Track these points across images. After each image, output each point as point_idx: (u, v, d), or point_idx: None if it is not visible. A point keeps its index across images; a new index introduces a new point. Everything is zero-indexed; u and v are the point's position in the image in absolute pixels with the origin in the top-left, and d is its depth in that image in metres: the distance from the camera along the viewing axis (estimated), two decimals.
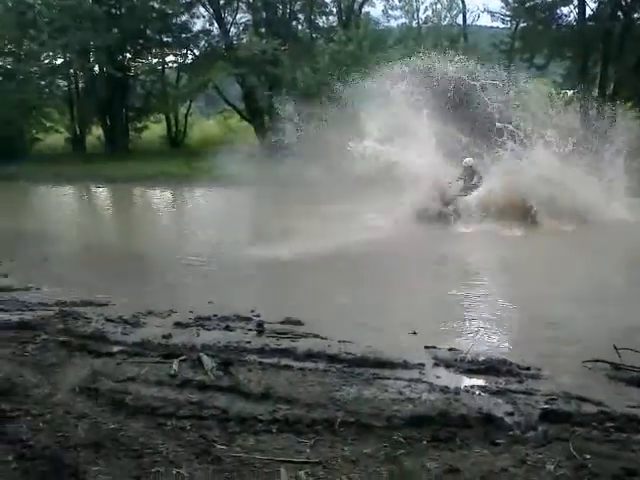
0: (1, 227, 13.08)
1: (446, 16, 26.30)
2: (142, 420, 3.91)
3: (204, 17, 30.25)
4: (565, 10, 23.18)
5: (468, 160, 12.80)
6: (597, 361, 4.57)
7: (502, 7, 23.82)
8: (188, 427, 3.77)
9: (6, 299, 7.27)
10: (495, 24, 24.92)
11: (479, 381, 4.44)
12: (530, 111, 24.22)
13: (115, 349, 5.35)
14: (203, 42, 30.48)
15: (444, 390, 4.22)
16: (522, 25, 23.90)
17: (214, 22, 29.80)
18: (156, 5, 28.80)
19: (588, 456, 3.20)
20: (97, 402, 4.22)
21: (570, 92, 23.39)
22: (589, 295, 6.88)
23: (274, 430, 3.68)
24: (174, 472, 3.24)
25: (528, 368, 4.60)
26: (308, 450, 3.43)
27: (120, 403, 4.17)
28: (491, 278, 7.49)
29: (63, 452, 3.50)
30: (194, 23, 30.41)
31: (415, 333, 5.51)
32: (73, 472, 3.28)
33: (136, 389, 4.43)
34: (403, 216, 11.68)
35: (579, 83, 22.43)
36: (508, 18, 23.96)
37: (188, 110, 31.50)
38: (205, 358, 4.87)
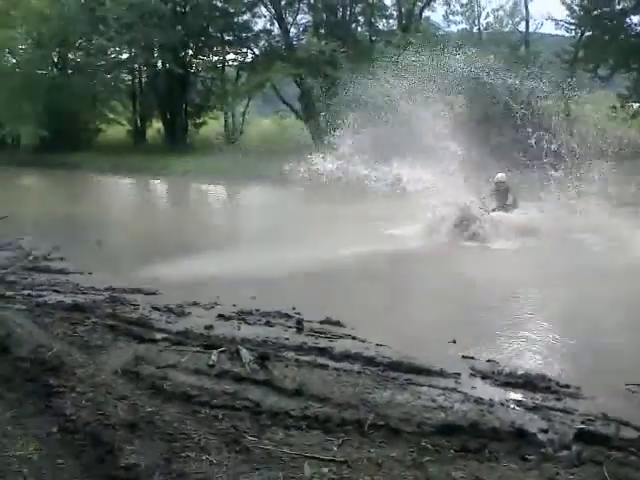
0: (61, 213, 13.64)
1: (508, 23, 25.83)
2: (178, 406, 4.04)
3: (265, 17, 30.71)
4: (635, 19, 22.44)
5: (500, 176, 11.30)
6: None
7: (567, 15, 23.19)
8: (221, 416, 3.87)
9: (61, 281, 7.63)
10: (559, 32, 24.30)
11: (515, 395, 4.38)
12: (591, 124, 23.68)
13: (158, 336, 5.54)
14: (263, 42, 30.90)
15: (478, 401, 4.18)
16: (587, 34, 23.21)
17: (275, 22, 30.18)
18: (219, 4, 29.45)
19: None
20: (137, 385, 4.38)
21: (636, 105, 22.66)
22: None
23: (304, 426, 3.74)
24: (203, 458, 3.33)
25: (567, 386, 4.50)
26: (335, 449, 3.47)
27: (159, 388, 4.32)
28: (536, 294, 7.32)
29: (102, 429, 3.66)
30: (255, 23, 30.93)
31: (454, 342, 5.46)
32: (109, 449, 3.42)
33: (175, 376, 4.57)
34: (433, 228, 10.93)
35: None
36: (573, 27, 23.31)
37: (246, 108, 31.96)
38: (243, 351, 4.98)
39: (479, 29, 27.34)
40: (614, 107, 22.93)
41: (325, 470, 3.15)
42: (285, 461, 3.31)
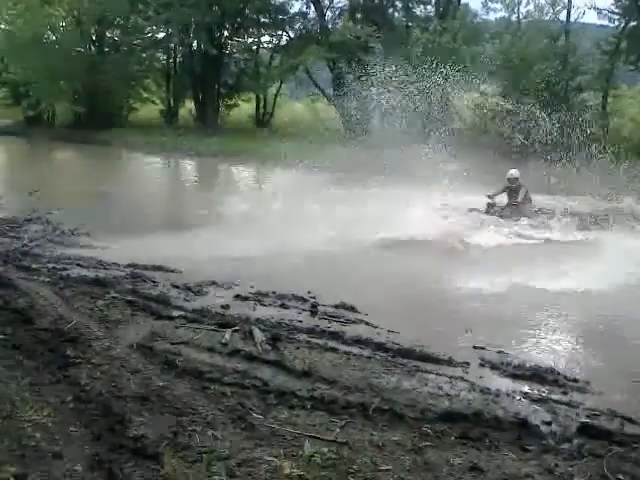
0: (90, 189, 13.91)
1: (549, 11, 25.17)
2: (188, 381, 4.15)
3: (302, 0, 30.60)
4: None
5: (513, 171, 11.00)
6: None
7: (611, 4, 22.51)
8: (229, 393, 3.97)
9: (85, 256, 7.81)
10: (601, 22, 23.60)
11: (522, 387, 4.38)
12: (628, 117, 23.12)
13: (175, 313, 5.66)
14: (298, 24, 30.82)
15: (484, 391, 4.20)
16: (632, 24, 22.52)
17: (311, 5, 30.04)
18: None
19: (621, 476, 3.11)
20: (151, 360, 4.51)
21: None
22: None
23: (309, 407, 3.81)
24: (209, 433, 3.43)
25: (575, 380, 4.48)
26: (338, 430, 3.53)
27: (171, 364, 4.43)
28: (555, 289, 7.23)
29: (114, 400, 3.78)
30: (292, 5, 30.84)
31: (467, 332, 5.46)
32: (120, 419, 3.54)
33: (188, 352, 4.69)
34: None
35: None
36: (616, 16, 22.63)
37: (278, 91, 31.96)
38: (256, 331, 5.07)
39: (518, 17, 26.73)
40: None
41: (325, 449, 3.21)
42: (287, 439, 3.39)
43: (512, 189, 10.87)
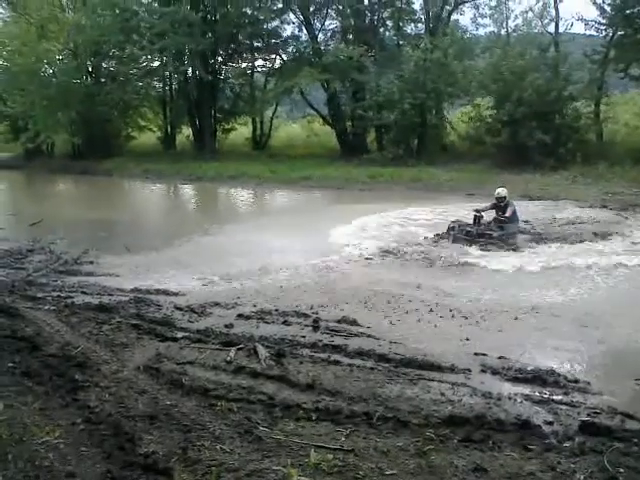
0: (92, 218, 14.08)
1: (537, 24, 25.51)
2: (195, 399, 4.22)
3: (294, 23, 31.02)
4: None
5: (501, 190, 11.04)
6: None
7: (598, 15, 22.81)
8: (236, 409, 4.04)
9: (90, 283, 7.93)
10: (589, 32, 23.89)
11: (524, 389, 4.44)
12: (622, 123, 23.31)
13: (180, 335, 5.75)
14: (291, 47, 31.22)
15: (486, 395, 4.27)
16: (619, 33, 22.82)
17: (303, 28, 30.48)
18: (248, 11, 29.85)
19: (622, 470, 3.18)
20: (158, 381, 4.59)
21: None
22: None
23: (314, 418, 3.88)
24: (217, 447, 3.50)
25: (576, 381, 4.55)
26: (343, 438, 3.60)
27: (178, 383, 4.51)
28: (547, 294, 7.34)
29: (123, 420, 3.86)
30: (284, 29, 31.22)
31: (468, 340, 5.54)
32: (130, 438, 3.62)
33: (194, 372, 4.77)
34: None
35: None
36: (603, 27, 22.93)
37: (274, 113, 32.31)
38: (260, 348, 5.15)
39: (507, 31, 27.11)
40: None
41: (330, 457, 3.28)
42: (294, 449, 3.46)
43: (500, 207, 10.91)
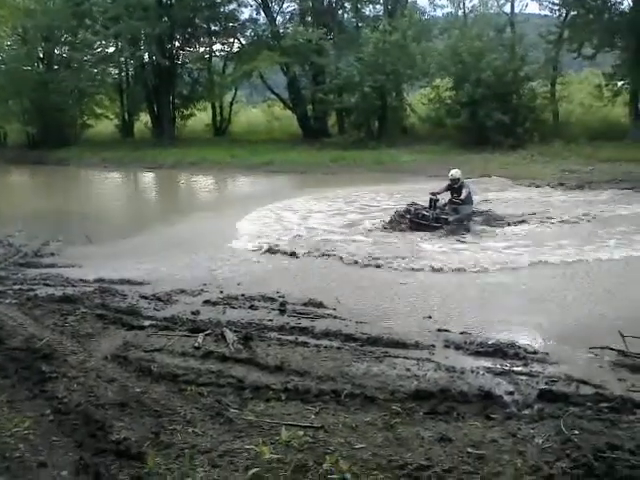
0: (50, 209, 13.80)
1: (493, 5, 25.87)
2: (165, 385, 4.25)
3: (251, 6, 30.72)
4: None
5: (455, 171, 11.07)
6: (603, 348, 4.67)
7: None
8: (206, 393, 4.09)
9: (52, 275, 7.82)
10: (544, 12, 24.33)
11: (485, 362, 4.62)
12: (576, 102, 23.86)
13: (146, 323, 5.74)
14: (250, 31, 30.90)
15: (449, 369, 4.42)
16: (572, 14, 23.30)
17: (261, 11, 30.19)
18: None
19: (576, 432, 3.35)
20: (126, 369, 4.59)
21: (620, 83, 22.81)
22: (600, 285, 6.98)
23: (284, 398, 3.96)
24: (189, 430, 3.55)
25: (535, 352, 4.75)
26: (313, 416, 3.69)
27: (146, 370, 4.52)
28: (504, 271, 7.62)
29: (93, 409, 3.86)
30: (241, 12, 30.89)
31: (430, 317, 5.69)
32: (101, 426, 3.63)
33: (162, 359, 4.79)
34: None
35: (630, 74, 21.83)
36: (556, 7, 23.39)
37: (233, 98, 31.98)
38: (228, 332, 5.19)
39: (464, 12, 27.41)
40: (599, 86, 23.11)
41: (300, 434, 3.37)
42: (265, 429, 3.53)
43: (454, 188, 10.94)
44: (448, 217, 10.32)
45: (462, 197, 10.77)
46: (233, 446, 3.32)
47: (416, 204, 10.80)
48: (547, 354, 4.73)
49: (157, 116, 30.90)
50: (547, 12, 23.96)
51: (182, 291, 6.88)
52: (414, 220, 10.26)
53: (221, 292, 6.78)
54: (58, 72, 29.91)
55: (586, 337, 5.04)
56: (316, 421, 3.61)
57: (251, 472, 3.00)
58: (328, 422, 3.57)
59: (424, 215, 10.29)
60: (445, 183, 11.22)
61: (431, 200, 10.66)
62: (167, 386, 4.24)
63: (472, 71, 21.77)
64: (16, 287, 7.18)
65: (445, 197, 11.08)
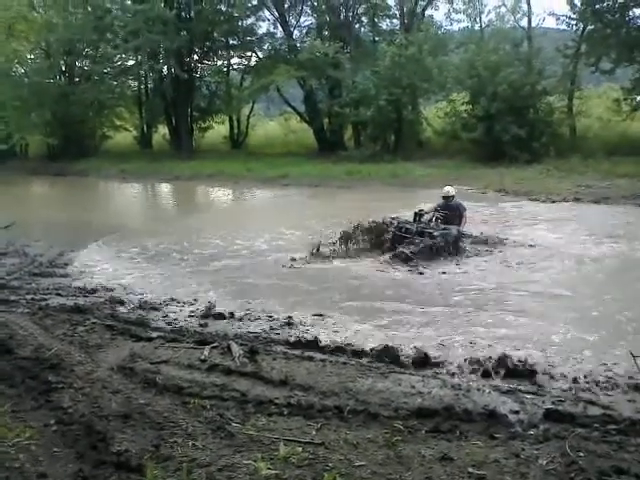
0: (67, 219, 13.95)
1: (509, 19, 25.86)
2: (169, 397, 4.25)
3: (269, 20, 31.08)
4: (637, 12, 22.42)
5: (449, 188, 10.37)
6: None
7: (568, 10, 23.19)
8: (209, 406, 4.08)
9: (64, 285, 7.89)
10: (561, 27, 24.27)
11: (492, 380, 4.55)
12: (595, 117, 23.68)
13: (154, 334, 5.76)
14: (267, 45, 31.23)
15: (455, 387, 4.36)
16: (589, 28, 23.21)
17: (278, 25, 30.51)
18: (223, 8, 29.76)
19: (582, 454, 3.28)
20: (132, 380, 4.60)
21: (639, 98, 22.62)
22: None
23: (286, 413, 3.94)
24: (190, 443, 3.54)
25: (543, 369, 4.67)
26: (314, 432, 3.66)
27: (152, 382, 4.53)
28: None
29: (96, 420, 3.87)
30: (259, 26, 31.27)
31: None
32: (102, 437, 3.63)
33: (167, 371, 4.79)
34: None
35: None
36: (574, 21, 23.30)
37: (250, 111, 32.26)
38: (234, 346, 5.18)
39: (481, 26, 27.42)
40: (617, 100, 22.95)
41: (299, 450, 3.34)
42: (265, 444, 3.51)
43: (448, 206, 10.17)
44: (433, 231, 9.38)
45: (462, 225, 9.96)
46: (232, 461, 3.30)
47: (399, 219, 10.03)
48: (555, 371, 4.64)
49: (175, 128, 31.24)
50: (564, 26, 23.88)
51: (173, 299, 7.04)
52: (396, 233, 9.48)
53: None
54: (79, 85, 30.43)
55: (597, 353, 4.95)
56: (317, 437, 3.58)
57: None
58: (329, 438, 3.54)
59: (407, 228, 9.49)
60: (436, 202, 10.42)
61: (416, 214, 9.96)
62: (171, 398, 4.24)
63: (488, 85, 21.74)
64: (29, 297, 7.26)
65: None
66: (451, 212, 10.10)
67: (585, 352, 5.17)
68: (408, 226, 9.57)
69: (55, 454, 3.49)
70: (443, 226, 9.66)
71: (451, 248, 9.21)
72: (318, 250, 9.40)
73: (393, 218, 9.99)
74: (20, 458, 3.38)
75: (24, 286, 7.88)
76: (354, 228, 9.79)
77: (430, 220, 10.02)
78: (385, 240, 9.60)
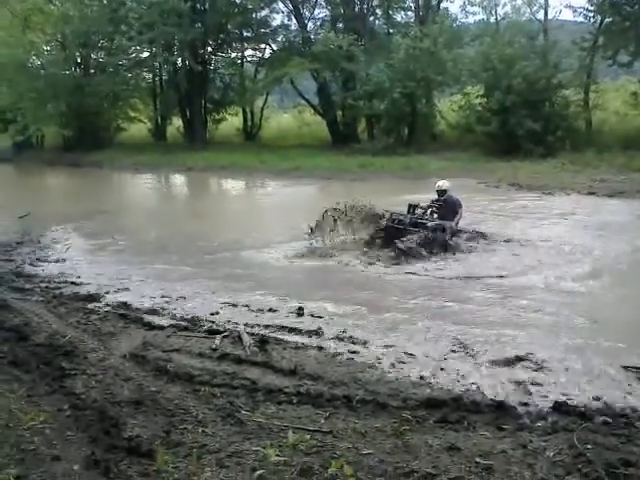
0: (82, 210, 14.03)
1: (525, 12, 25.57)
2: (180, 385, 4.32)
3: (283, 12, 30.94)
4: None
5: (441, 182, 10.01)
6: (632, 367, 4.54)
7: (586, 2, 22.87)
8: (219, 394, 4.13)
9: (78, 274, 7.97)
10: (578, 19, 23.96)
11: (502, 372, 4.55)
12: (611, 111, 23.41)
13: (166, 323, 5.82)
14: (281, 37, 31.12)
15: (464, 378, 4.37)
16: (607, 20, 22.89)
17: (292, 17, 30.42)
18: (237, 0, 29.73)
19: (589, 446, 3.28)
20: (143, 368, 4.67)
21: None
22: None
23: (295, 401, 3.98)
24: (200, 430, 3.59)
25: (554, 363, 4.66)
26: (323, 420, 3.70)
27: (163, 370, 4.59)
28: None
29: (108, 406, 3.94)
30: (273, 18, 31.13)
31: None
32: (115, 423, 3.70)
33: (179, 359, 4.85)
34: None
35: None
36: (591, 14, 22.99)
37: (264, 104, 32.24)
38: (245, 335, 5.23)
39: (496, 19, 27.14)
40: (635, 94, 22.67)
41: (308, 437, 3.38)
42: (274, 431, 3.56)
43: (442, 201, 9.86)
44: (427, 222, 9.29)
45: (455, 223, 9.59)
46: (241, 447, 3.35)
47: (394, 212, 9.71)
48: (567, 365, 4.63)
49: (189, 120, 31.30)
50: (581, 19, 23.56)
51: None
52: (389, 225, 9.33)
53: None
54: (94, 76, 30.55)
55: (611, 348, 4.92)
56: (325, 425, 3.62)
57: (257, 474, 3.03)
58: (337, 427, 3.58)
59: (400, 220, 9.33)
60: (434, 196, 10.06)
61: (410, 205, 9.75)
62: (182, 386, 4.31)
63: (503, 78, 21.55)
64: (43, 285, 7.37)
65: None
66: (446, 207, 9.76)
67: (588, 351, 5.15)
68: (401, 217, 9.43)
69: (68, 438, 3.56)
70: (437, 221, 9.48)
71: (443, 242, 8.95)
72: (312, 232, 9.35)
73: (386, 211, 9.69)
74: (35, 441, 3.45)
75: (39, 274, 7.99)
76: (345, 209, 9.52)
77: (424, 212, 9.83)
78: (377, 230, 9.44)
